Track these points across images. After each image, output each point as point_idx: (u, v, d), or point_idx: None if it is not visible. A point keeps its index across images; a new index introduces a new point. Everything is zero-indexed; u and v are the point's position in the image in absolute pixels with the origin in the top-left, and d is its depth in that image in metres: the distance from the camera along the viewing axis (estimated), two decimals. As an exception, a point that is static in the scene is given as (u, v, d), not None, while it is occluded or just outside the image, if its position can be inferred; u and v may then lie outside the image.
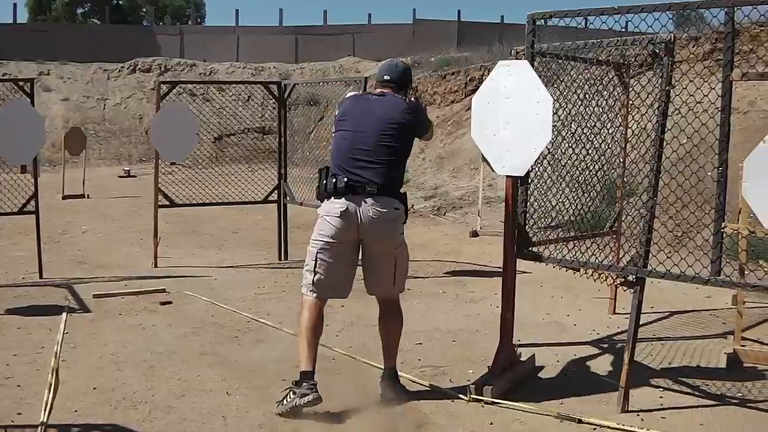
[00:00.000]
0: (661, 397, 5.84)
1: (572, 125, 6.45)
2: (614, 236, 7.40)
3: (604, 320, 7.88)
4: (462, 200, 17.24)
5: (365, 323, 7.64)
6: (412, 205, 16.94)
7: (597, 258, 6.19)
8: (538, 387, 6.05)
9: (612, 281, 6.23)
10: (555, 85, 6.30)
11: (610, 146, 6.98)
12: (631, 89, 7.08)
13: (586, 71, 6.68)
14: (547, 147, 5.86)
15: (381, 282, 5.77)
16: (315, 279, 5.60)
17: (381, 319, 5.93)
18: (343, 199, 5.50)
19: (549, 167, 6.33)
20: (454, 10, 57.72)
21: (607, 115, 6.78)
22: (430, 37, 36.44)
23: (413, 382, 6.08)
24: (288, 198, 11.25)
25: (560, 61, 6.45)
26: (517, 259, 6.17)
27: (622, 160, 7.43)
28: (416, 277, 9.92)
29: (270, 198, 11.43)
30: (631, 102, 7.18)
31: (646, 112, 5.87)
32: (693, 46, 15.65)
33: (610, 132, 6.93)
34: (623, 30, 6.10)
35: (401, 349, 6.69)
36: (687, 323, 7.89)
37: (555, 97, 6.25)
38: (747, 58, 15.68)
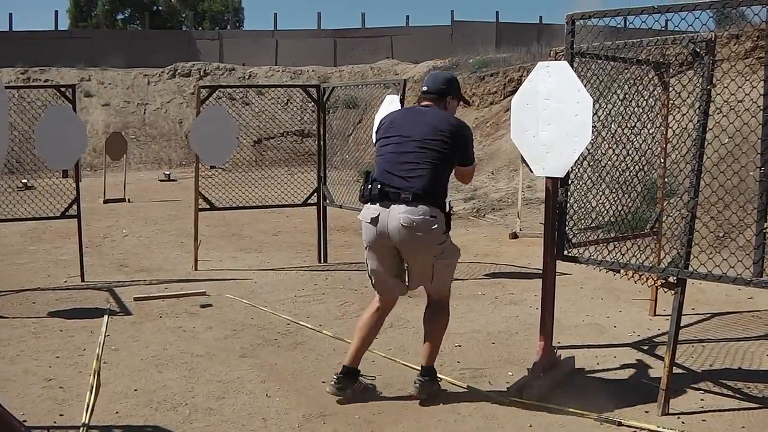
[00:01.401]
0: (702, 400, 5.77)
1: (612, 125, 6.41)
2: (655, 237, 7.35)
3: (645, 322, 7.81)
4: (501, 202, 17.20)
5: (405, 325, 7.65)
6: (451, 207, 16.94)
7: (637, 259, 6.13)
8: (578, 389, 5.99)
9: (653, 283, 6.17)
10: (595, 86, 6.26)
11: (650, 146, 6.93)
12: (671, 89, 7.01)
13: (626, 71, 6.64)
14: (587, 148, 5.82)
15: (418, 279, 5.78)
16: (373, 281, 5.85)
17: (425, 313, 5.90)
18: (378, 205, 5.51)
19: (589, 168, 6.29)
20: (492, 11, 57.75)
21: (648, 115, 6.74)
22: (468, 38, 36.43)
23: (452, 383, 6.07)
24: (327, 201, 11.26)
25: (600, 61, 6.40)
26: (557, 261, 6.14)
27: (662, 161, 7.36)
28: (456, 279, 9.82)
29: (309, 201, 11.45)
30: (671, 102, 7.12)
31: (687, 112, 5.81)
32: (734, 44, 15.50)
33: (650, 132, 6.88)
34: (663, 29, 6.03)
35: (441, 350, 6.70)
36: (728, 325, 7.80)
37: (595, 98, 6.22)
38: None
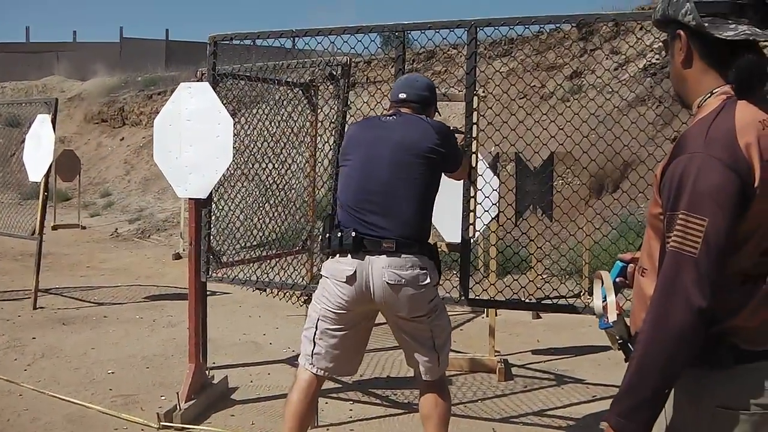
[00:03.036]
0: (350, 410, 6.00)
1: (260, 145, 6.51)
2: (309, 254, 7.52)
3: (300, 338, 7.95)
4: (167, 222, 17.08)
5: (58, 355, 7.40)
6: (116, 229, 16.60)
7: (289, 276, 6.26)
8: (231, 409, 6.03)
9: (297, 299, 6.34)
10: (248, 107, 6.33)
11: (299, 166, 7.09)
12: (320, 110, 7.22)
13: (276, 91, 6.76)
14: (232, 168, 5.89)
15: (420, 361, 4.48)
16: (314, 350, 4.45)
17: (424, 407, 4.58)
18: (351, 258, 4.26)
19: (239, 188, 6.36)
20: (162, 29, 57.07)
21: (296, 135, 6.88)
22: (137, 55, 35.83)
23: (103, 413, 5.90)
24: (-23, 226, 10.70)
25: (246, 82, 6.48)
26: (208, 281, 6.16)
27: (312, 179, 7.55)
28: (113, 304, 9.73)
29: (-42, 226, 10.81)
30: (320, 122, 7.32)
31: (326, 131, 6.02)
32: (391, 67, 16.19)
33: (300, 152, 7.04)
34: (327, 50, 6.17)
35: (92, 379, 6.55)
36: (378, 336, 7.98)
37: (247, 119, 6.32)
38: (443, 78, 16.47)
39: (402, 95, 4.62)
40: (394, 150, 4.35)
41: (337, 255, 4.29)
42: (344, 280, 4.24)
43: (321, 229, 4.54)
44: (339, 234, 4.26)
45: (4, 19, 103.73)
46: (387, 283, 4.19)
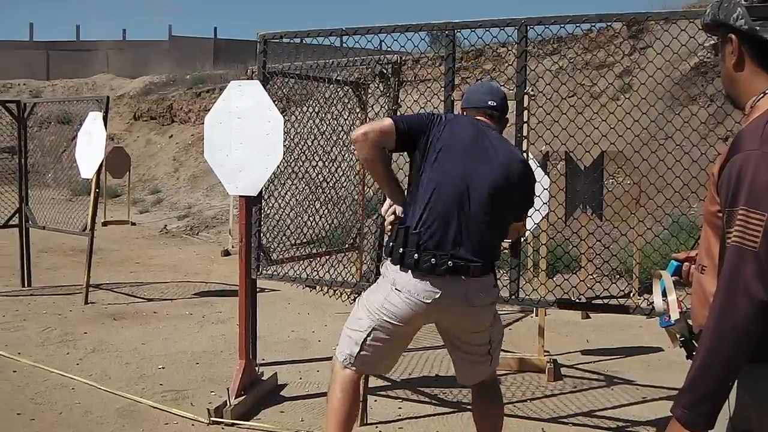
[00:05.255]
0: (399, 408, 6.00)
1: (310, 143, 6.53)
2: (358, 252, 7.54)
3: (345, 333, 7.98)
4: (215, 219, 17.18)
5: (108, 349, 7.47)
6: (165, 226, 16.73)
7: (339, 274, 6.27)
8: (280, 405, 6.06)
9: (347, 297, 6.35)
10: (298, 104, 6.36)
11: (350, 164, 7.10)
12: (370, 108, 7.23)
13: (327, 90, 6.78)
14: (282, 166, 5.91)
15: (477, 372, 4.43)
16: (359, 353, 4.25)
17: (479, 406, 4.56)
18: (439, 281, 4.02)
19: (290, 185, 6.38)
20: (210, 27, 57.47)
21: (346, 134, 6.90)
22: (186, 53, 36.07)
23: (154, 407, 5.96)
24: (30, 222, 10.82)
25: (296, 80, 6.50)
26: (258, 278, 6.20)
27: (362, 177, 7.56)
28: (163, 300, 9.81)
29: (11, 222, 10.94)
30: (370, 119, 7.33)
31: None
32: (439, 65, 16.17)
33: (350, 150, 7.05)
34: (377, 48, 6.18)
35: (143, 374, 6.61)
36: (427, 334, 7.92)
37: (297, 116, 6.35)
38: (492, 76, 16.40)
39: (492, 103, 4.38)
40: (497, 173, 4.12)
41: (417, 273, 4.01)
42: (429, 301, 4.01)
43: (394, 240, 4.14)
44: (432, 259, 3.97)
45: (55, 18, 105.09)
46: (472, 306, 4.08)
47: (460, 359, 4.42)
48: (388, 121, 4.19)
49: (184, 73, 30.40)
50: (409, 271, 4.03)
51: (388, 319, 4.12)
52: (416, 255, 3.99)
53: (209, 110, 6.03)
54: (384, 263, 4.32)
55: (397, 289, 4.07)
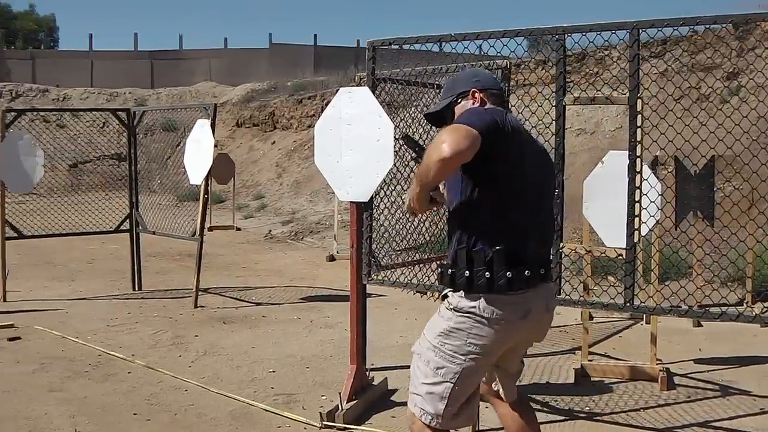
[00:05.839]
0: (510, 415, 5.95)
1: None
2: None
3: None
4: (319, 224, 17.29)
5: (219, 352, 7.59)
6: (270, 231, 16.92)
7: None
8: (391, 410, 6.08)
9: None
10: (405, 110, 6.37)
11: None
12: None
13: (425, 95, 6.79)
14: (392, 171, 5.93)
15: (515, 383, 4.24)
16: (445, 409, 3.75)
17: (520, 418, 4.23)
18: (532, 293, 3.70)
19: (399, 190, 6.39)
20: (310, 35, 58.04)
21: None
22: (286, 61, 36.52)
23: (266, 410, 6.05)
24: (140, 227, 11.07)
25: (403, 86, 6.52)
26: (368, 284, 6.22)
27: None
28: (270, 304, 9.93)
29: (122, 227, 11.21)
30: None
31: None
32: (542, 69, 16.03)
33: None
34: (477, 53, 6.17)
35: (254, 377, 6.70)
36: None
37: (407, 122, 6.36)
38: (595, 81, 16.21)
39: (496, 90, 4.00)
40: (551, 173, 4.05)
41: (503, 291, 3.59)
42: (521, 317, 3.66)
43: (470, 266, 3.62)
44: (526, 271, 3.60)
45: (159, 29, 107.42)
46: (549, 312, 3.87)
47: (506, 377, 4.12)
48: (469, 136, 3.40)
49: (285, 80, 30.71)
50: (496, 293, 3.60)
51: (477, 356, 3.68)
52: (509, 273, 3.57)
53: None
54: (450, 298, 3.73)
55: (483, 317, 3.61)
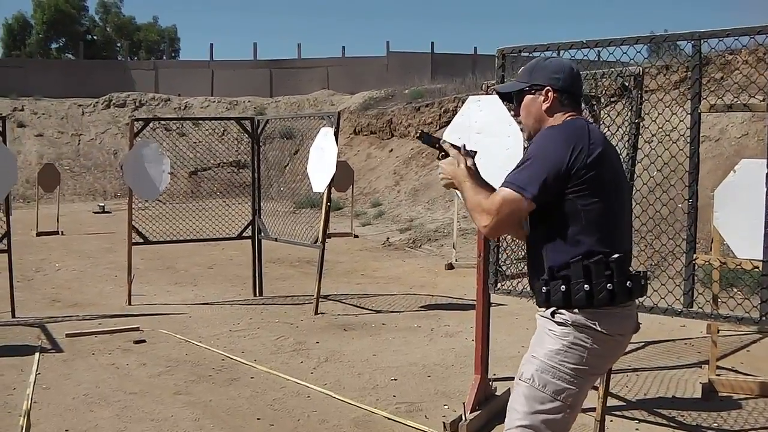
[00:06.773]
0: (636, 429, 5.82)
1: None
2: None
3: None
4: (437, 232, 17.25)
5: (341, 359, 7.62)
6: (387, 238, 16.95)
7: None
8: (514, 422, 6.00)
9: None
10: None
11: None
12: (601, 122, 7.08)
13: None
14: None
15: None
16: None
17: None
18: (632, 305, 3.44)
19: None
20: (427, 42, 58.17)
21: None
22: (404, 69, 36.62)
23: (389, 419, 6.03)
24: (262, 234, 11.20)
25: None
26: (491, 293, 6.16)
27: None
28: (391, 312, 9.91)
29: (244, 234, 11.38)
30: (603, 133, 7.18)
31: (617, 144, 5.88)
32: (664, 75, 15.74)
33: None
34: (596, 60, 6.08)
35: (376, 384, 6.69)
36: (662, 353, 7.87)
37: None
38: (717, 87, 15.82)
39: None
40: (628, 187, 3.89)
41: (609, 303, 3.27)
42: (633, 330, 3.44)
43: (591, 281, 3.27)
44: (628, 282, 3.30)
45: (279, 38, 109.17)
46: (637, 325, 3.48)
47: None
48: (516, 211, 3.34)
49: (402, 88, 30.82)
50: (617, 305, 3.32)
51: (591, 375, 3.40)
52: (628, 283, 3.31)
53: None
54: (564, 314, 3.35)
55: (604, 333, 3.29)
